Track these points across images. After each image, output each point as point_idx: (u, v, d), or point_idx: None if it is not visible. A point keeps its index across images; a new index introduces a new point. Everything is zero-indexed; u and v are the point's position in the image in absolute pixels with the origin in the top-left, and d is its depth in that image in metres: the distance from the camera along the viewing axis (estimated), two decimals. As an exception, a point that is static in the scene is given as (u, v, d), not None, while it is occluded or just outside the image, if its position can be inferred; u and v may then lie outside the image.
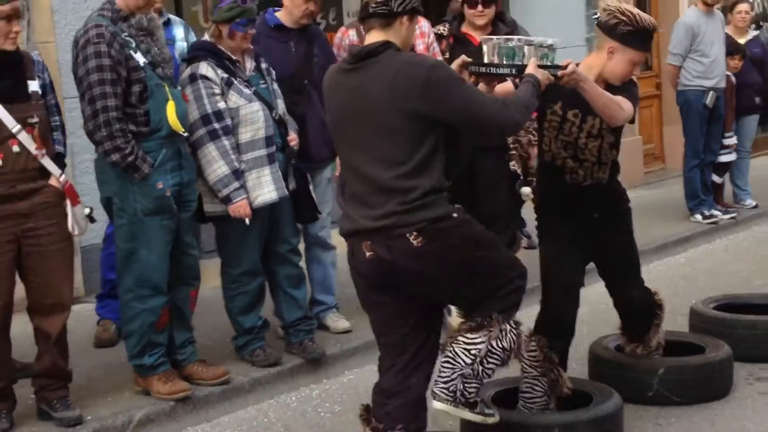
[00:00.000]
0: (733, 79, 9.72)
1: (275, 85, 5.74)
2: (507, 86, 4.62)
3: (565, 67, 4.30)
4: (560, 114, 4.78)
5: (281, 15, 6.08)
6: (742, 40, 10.01)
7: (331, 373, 6.00)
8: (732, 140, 9.90)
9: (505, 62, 4.38)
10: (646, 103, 12.81)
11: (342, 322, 6.35)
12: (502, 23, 6.68)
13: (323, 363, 5.98)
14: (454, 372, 4.00)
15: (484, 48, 4.50)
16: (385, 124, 3.89)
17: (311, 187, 5.93)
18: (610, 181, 4.93)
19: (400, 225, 3.85)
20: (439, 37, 6.70)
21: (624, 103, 4.61)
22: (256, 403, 5.56)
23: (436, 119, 3.88)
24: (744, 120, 10.07)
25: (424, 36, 6.56)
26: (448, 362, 4.03)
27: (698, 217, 9.63)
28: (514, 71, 4.33)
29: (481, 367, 4.02)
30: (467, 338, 4.01)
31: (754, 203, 10.21)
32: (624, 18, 4.63)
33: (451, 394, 4.01)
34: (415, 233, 3.83)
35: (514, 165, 7.00)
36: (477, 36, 6.43)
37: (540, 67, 4.24)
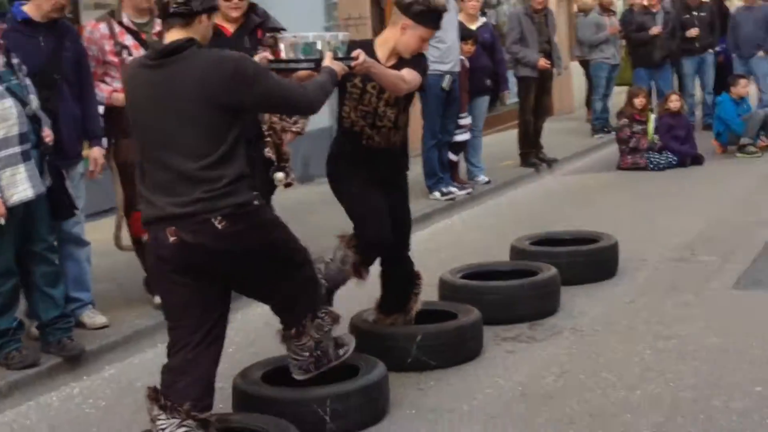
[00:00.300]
0: (467, 63, 10.16)
1: (27, 81, 5.56)
2: (302, 74, 4.87)
3: (356, 58, 4.71)
4: (360, 86, 5.20)
5: (29, 9, 5.87)
6: (473, 27, 10.51)
7: (91, 370, 5.86)
8: (467, 120, 10.34)
9: (303, 57, 4.78)
10: (381, 89, 13.30)
11: (99, 318, 6.22)
12: (254, 14, 6.79)
13: (83, 360, 5.82)
14: (302, 363, 4.65)
15: (281, 46, 5.04)
16: (192, 118, 4.06)
17: (67, 183, 5.79)
18: (402, 147, 5.47)
19: (206, 211, 4.04)
20: None
21: (408, 75, 5.08)
22: (15, 407, 5.36)
23: (244, 109, 4.18)
24: (476, 101, 10.56)
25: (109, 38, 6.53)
26: (294, 359, 4.66)
27: (437, 194, 10.00)
28: (313, 65, 4.71)
29: (318, 349, 4.63)
30: (296, 344, 4.59)
31: (486, 179, 10.74)
32: None
33: (305, 371, 4.68)
34: (219, 218, 4.05)
35: (268, 151, 7.10)
36: (230, 27, 6.57)
37: (335, 59, 4.63)
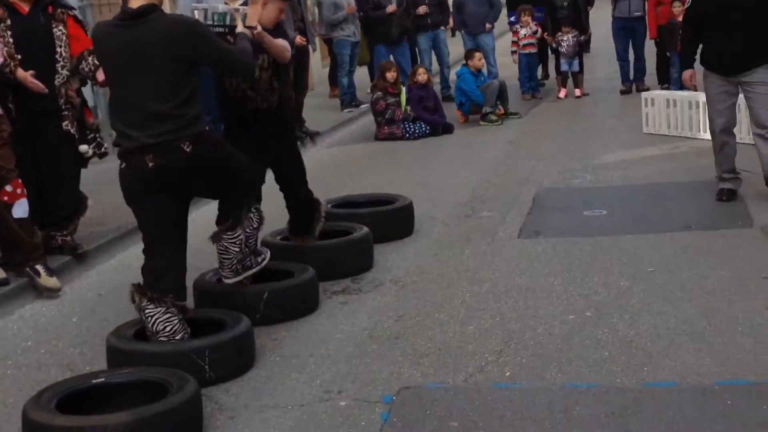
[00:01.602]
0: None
1: None
2: None
3: (255, 28, 5.84)
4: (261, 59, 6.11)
5: None
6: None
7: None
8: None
9: (216, 24, 5.85)
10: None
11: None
12: None
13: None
14: (231, 259, 5.70)
15: (196, 14, 5.77)
16: (158, 69, 5.05)
17: None
18: (280, 106, 6.41)
19: (176, 139, 5.09)
20: None
21: (287, 45, 6.30)
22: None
23: (199, 62, 5.19)
24: None
25: None
26: (223, 254, 5.69)
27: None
28: (226, 30, 5.82)
29: (245, 245, 5.75)
30: (229, 235, 5.61)
31: None
32: None
33: (234, 271, 5.76)
34: (188, 143, 5.11)
35: (67, 125, 7.27)
36: (25, 6, 7.06)
37: (246, 27, 5.75)
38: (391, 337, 5.70)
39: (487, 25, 15.30)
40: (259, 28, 5.88)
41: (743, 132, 9.56)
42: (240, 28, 5.74)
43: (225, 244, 5.64)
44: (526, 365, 5.11)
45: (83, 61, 7.15)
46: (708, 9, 7.82)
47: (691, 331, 5.35)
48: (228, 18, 5.87)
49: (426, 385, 4.96)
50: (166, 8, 8.43)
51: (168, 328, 5.20)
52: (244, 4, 6.18)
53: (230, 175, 5.48)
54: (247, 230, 5.80)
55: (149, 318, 5.20)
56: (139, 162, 5.12)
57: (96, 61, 6.99)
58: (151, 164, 5.09)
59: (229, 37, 5.76)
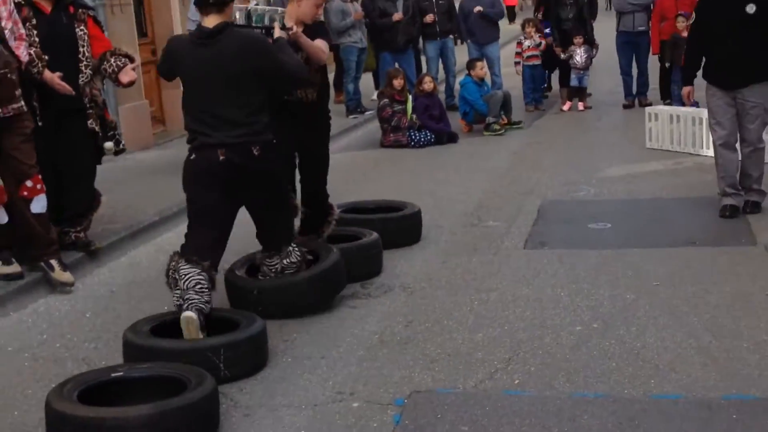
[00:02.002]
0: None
1: None
2: None
3: (291, 28, 6.27)
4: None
5: None
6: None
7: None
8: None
9: (255, 24, 6.25)
10: (145, 68, 13.45)
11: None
12: None
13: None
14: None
15: (237, 14, 6.20)
16: (234, 81, 5.71)
17: None
18: (319, 100, 6.92)
19: (247, 142, 5.76)
20: (18, 6, 6.92)
21: (324, 46, 6.66)
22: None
23: (268, 74, 5.83)
24: None
25: (6, 3, 6.73)
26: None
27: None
28: (264, 31, 6.22)
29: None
30: (267, 263, 6.30)
31: None
32: None
33: None
34: (258, 147, 5.79)
35: (92, 123, 7.39)
36: (47, 6, 7.14)
37: (282, 29, 6.23)
38: (402, 341, 5.80)
39: (477, 8, 15.26)
40: (295, 29, 6.27)
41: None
42: (278, 32, 6.16)
43: (264, 268, 6.33)
44: (535, 374, 5.21)
45: (105, 62, 7.26)
46: (710, 25, 8.14)
47: (697, 345, 5.46)
48: (267, 18, 6.21)
49: (437, 389, 5.06)
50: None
51: (198, 287, 5.59)
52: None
53: (281, 196, 6.22)
54: (285, 264, 6.29)
55: (183, 276, 5.64)
56: (211, 155, 5.71)
57: (119, 62, 7.14)
58: (222, 157, 5.68)
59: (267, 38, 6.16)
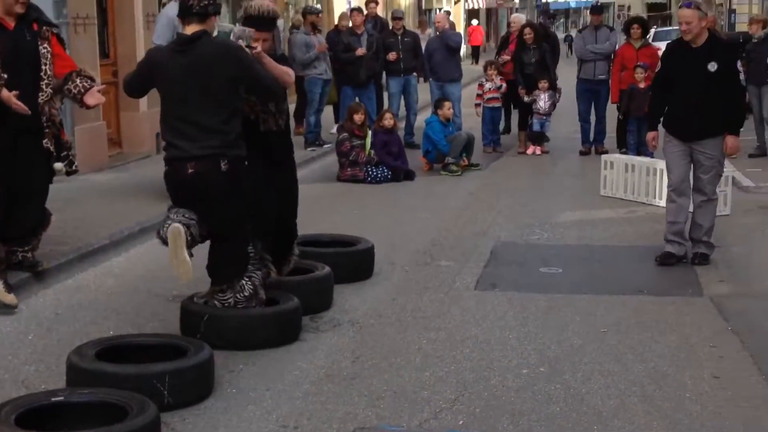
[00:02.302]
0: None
1: None
2: None
3: (255, 48, 6.30)
4: None
5: None
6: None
7: None
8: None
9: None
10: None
11: None
12: (31, 9, 7.20)
13: None
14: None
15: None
16: (210, 87, 5.94)
17: None
18: (286, 128, 6.90)
19: (217, 155, 5.96)
20: None
21: (290, 70, 6.74)
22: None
23: (244, 82, 6.08)
24: None
25: None
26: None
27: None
28: None
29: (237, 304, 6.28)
30: (219, 297, 6.28)
31: None
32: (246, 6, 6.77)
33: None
34: (226, 161, 5.97)
35: (47, 143, 7.34)
36: (11, 21, 7.11)
37: (246, 47, 6.25)
38: (348, 377, 5.79)
39: (427, 31, 15.46)
40: (259, 49, 6.32)
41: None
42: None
43: (215, 302, 6.30)
44: (480, 415, 5.22)
45: (70, 82, 7.20)
46: (673, 78, 8.38)
47: (641, 394, 5.50)
48: (233, 37, 6.36)
49: (381, 426, 5.05)
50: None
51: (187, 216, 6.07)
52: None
53: (241, 217, 6.22)
54: (238, 298, 6.26)
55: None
56: (181, 168, 5.99)
57: (85, 84, 7.11)
58: (191, 170, 5.95)
59: None
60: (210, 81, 5.93)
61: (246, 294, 6.25)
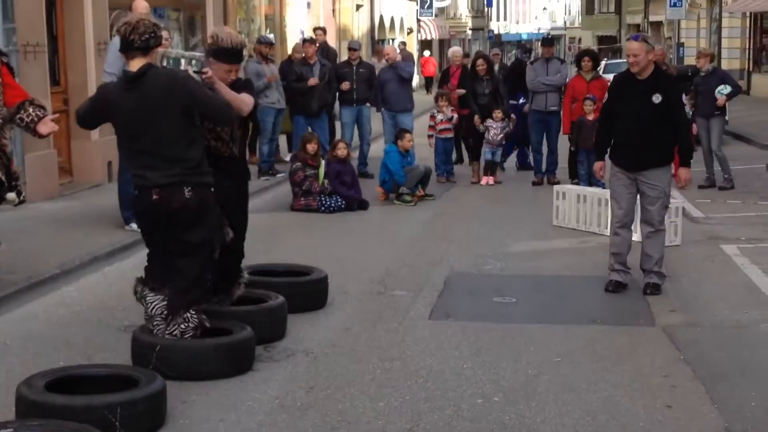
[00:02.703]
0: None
1: None
2: None
3: (206, 73, 6.46)
4: None
5: None
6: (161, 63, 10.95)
7: None
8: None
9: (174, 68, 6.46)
10: (55, 116, 13.28)
11: None
12: None
13: None
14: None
15: (165, 59, 6.38)
16: (165, 118, 6.05)
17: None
18: (241, 156, 7.07)
19: (180, 182, 6.08)
20: None
21: (247, 98, 6.72)
22: None
23: (193, 109, 6.13)
24: None
25: None
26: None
27: (133, 226, 10.26)
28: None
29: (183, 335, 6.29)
30: (166, 327, 6.28)
31: None
32: (210, 39, 6.84)
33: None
34: (189, 188, 6.10)
35: None
36: None
37: (195, 72, 6.46)
38: (302, 407, 5.76)
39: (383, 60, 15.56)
40: (210, 73, 6.45)
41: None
42: (189, 74, 6.42)
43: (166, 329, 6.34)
44: (434, 445, 5.22)
45: (23, 111, 7.14)
46: (618, 109, 8.53)
47: (594, 423, 5.52)
48: (183, 62, 6.50)
49: (335, 457, 5.04)
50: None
51: (164, 314, 6.22)
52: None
53: (201, 243, 6.32)
54: (183, 329, 6.29)
55: (149, 303, 6.29)
56: (146, 195, 6.14)
57: (38, 113, 7.06)
58: (155, 197, 6.10)
59: None
60: (163, 113, 6.05)
61: (191, 325, 6.27)
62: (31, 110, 7.17)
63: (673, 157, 8.52)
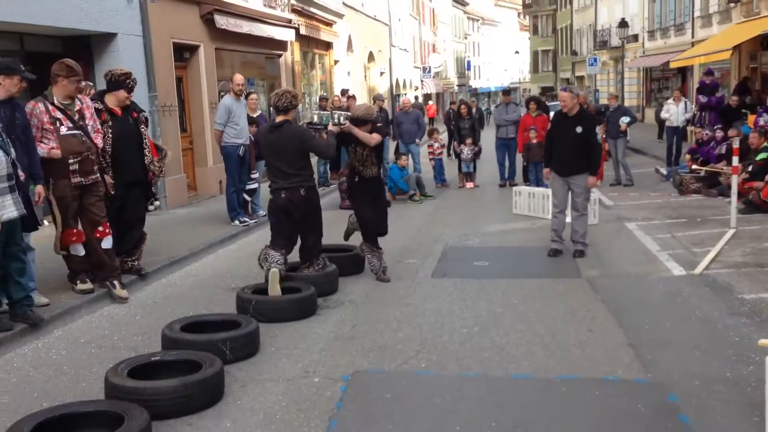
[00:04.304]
0: (252, 138, 10.55)
1: (7, 139, 5.51)
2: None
3: (345, 124, 7.04)
4: (355, 147, 7.27)
5: None
6: (254, 115, 10.98)
7: (46, 332, 5.88)
8: (255, 175, 10.78)
9: (320, 122, 6.99)
10: (184, 153, 13.34)
11: (42, 299, 6.20)
12: (132, 102, 7.20)
13: (41, 325, 5.83)
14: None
15: (314, 115, 6.85)
16: (291, 152, 6.60)
17: (33, 208, 5.77)
18: (378, 175, 7.44)
19: (298, 186, 6.61)
20: (98, 111, 6.84)
21: (374, 137, 7.21)
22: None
23: (306, 149, 6.67)
24: (259, 163, 10.87)
25: (89, 108, 6.66)
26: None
27: (236, 222, 10.39)
28: (321, 127, 6.95)
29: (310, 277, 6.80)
30: (305, 271, 6.90)
31: (264, 212, 10.98)
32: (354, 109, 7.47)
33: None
34: (303, 189, 6.62)
35: (154, 189, 7.29)
36: (119, 110, 6.84)
37: (334, 124, 6.96)
38: (349, 338, 5.75)
39: (417, 140, 15.54)
40: (348, 124, 7.03)
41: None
42: (330, 126, 6.91)
43: (304, 272, 6.84)
44: (436, 360, 5.20)
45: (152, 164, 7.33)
46: (555, 136, 8.51)
47: (541, 343, 5.50)
48: (325, 119, 6.91)
49: (370, 369, 5.03)
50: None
51: (279, 261, 6.61)
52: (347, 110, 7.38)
53: (317, 224, 6.86)
54: (315, 271, 6.89)
55: (270, 256, 6.60)
56: (278, 194, 6.65)
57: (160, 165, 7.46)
58: (283, 195, 6.60)
59: (323, 131, 6.92)
60: (290, 149, 6.56)
61: (320, 266, 6.89)
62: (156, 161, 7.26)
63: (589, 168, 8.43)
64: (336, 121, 6.96)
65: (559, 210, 8.51)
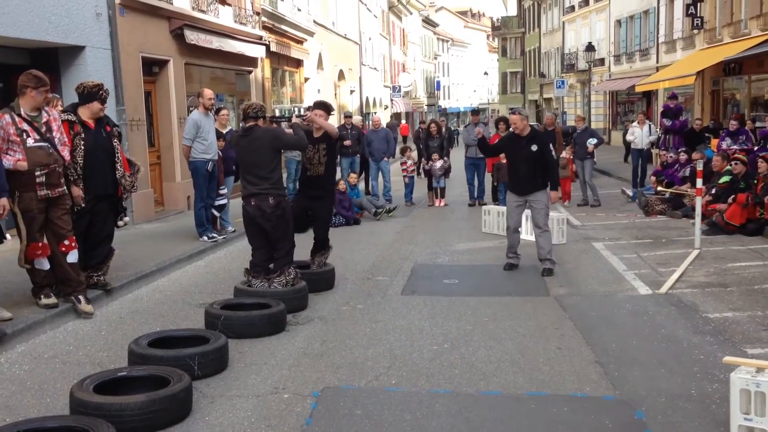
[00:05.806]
0: (220, 153, 10.52)
1: None
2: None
3: (306, 115, 7.39)
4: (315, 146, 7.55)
5: None
6: (223, 131, 10.84)
7: (8, 347, 5.77)
8: (223, 191, 10.73)
9: (281, 115, 6.40)
10: (152, 168, 13.24)
11: (4, 313, 6.09)
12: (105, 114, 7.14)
13: (4, 340, 5.72)
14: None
15: (276, 110, 6.79)
16: (265, 152, 6.79)
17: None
18: (326, 175, 7.63)
19: (267, 194, 6.77)
20: (70, 123, 6.78)
21: (334, 129, 7.58)
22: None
23: (279, 146, 6.91)
24: (228, 179, 10.92)
25: (56, 120, 6.59)
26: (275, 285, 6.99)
27: (204, 238, 10.33)
28: (285, 119, 7.60)
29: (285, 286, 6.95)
30: (276, 279, 6.95)
31: (233, 228, 11.05)
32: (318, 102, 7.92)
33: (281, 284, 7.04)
34: (272, 198, 6.79)
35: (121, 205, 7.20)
36: (92, 123, 6.81)
37: (297, 117, 7.50)
38: (318, 354, 5.74)
39: (387, 158, 15.63)
40: (309, 114, 7.40)
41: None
42: (293, 119, 7.47)
43: (275, 284, 6.93)
44: (405, 377, 5.20)
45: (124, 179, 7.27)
46: (512, 157, 8.76)
47: (510, 360, 5.53)
48: (287, 112, 6.95)
49: (341, 386, 5.02)
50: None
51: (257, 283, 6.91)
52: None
53: (288, 231, 6.98)
54: (285, 282, 6.96)
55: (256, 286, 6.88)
56: (249, 203, 6.85)
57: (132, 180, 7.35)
58: (253, 203, 6.81)
59: (286, 123, 7.37)
60: (263, 151, 6.78)
61: (291, 276, 6.98)
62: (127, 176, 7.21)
63: (547, 185, 8.62)
64: (298, 113, 7.32)
65: (514, 229, 8.76)
